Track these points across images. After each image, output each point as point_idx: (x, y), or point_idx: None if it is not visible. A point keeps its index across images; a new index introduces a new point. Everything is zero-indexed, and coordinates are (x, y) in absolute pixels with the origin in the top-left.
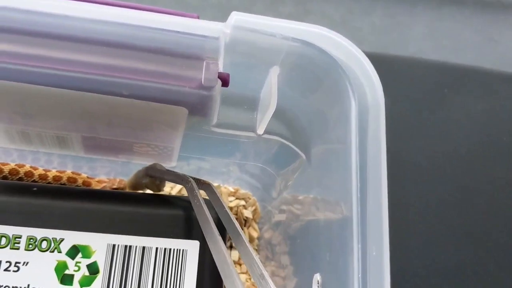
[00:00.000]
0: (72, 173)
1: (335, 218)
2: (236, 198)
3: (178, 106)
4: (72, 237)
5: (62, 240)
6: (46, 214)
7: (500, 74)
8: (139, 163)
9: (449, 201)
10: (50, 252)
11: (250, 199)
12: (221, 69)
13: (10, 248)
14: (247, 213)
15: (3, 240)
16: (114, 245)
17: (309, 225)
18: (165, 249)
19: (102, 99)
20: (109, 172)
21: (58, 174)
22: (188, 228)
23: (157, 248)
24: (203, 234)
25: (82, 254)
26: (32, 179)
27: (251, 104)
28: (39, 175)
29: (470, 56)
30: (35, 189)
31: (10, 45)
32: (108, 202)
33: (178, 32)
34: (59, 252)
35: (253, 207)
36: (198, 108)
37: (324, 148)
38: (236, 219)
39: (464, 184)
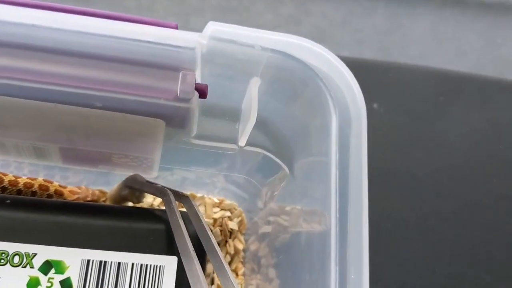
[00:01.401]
0: (44, 180)
1: (316, 234)
2: (221, 209)
3: (155, 118)
4: (45, 252)
5: (34, 255)
6: (19, 228)
7: (499, 81)
8: (118, 174)
9: (446, 213)
10: (22, 267)
11: (235, 210)
12: (198, 80)
13: None
14: (232, 225)
15: None
16: (88, 261)
17: (293, 239)
18: (141, 265)
19: (76, 111)
20: (81, 181)
21: (29, 181)
22: (166, 243)
23: (133, 264)
24: None
25: (55, 269)
26: (2, 185)
27: (232, 115)
28: (9, 181)
29: (472, 58)
30: (8, 201)
31: None
32: (83, 215)
33: (153, 42)
34: (32, 267)
35: (239, 218)
36: (175, 120)
37: (306, 160)
38: (221, 231)
39: (462, 196)
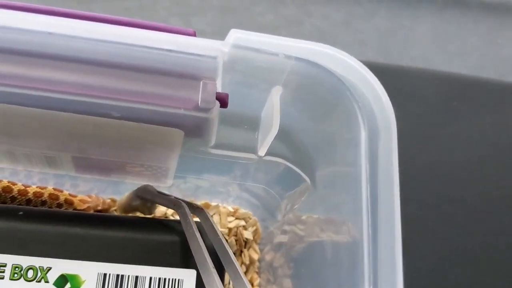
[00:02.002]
0: (54, 189)
1: (343, 248)
2: (236, 218)
3: (173, 128)
4: (60, 266)
5: (49, 269)
6: (32, 241)
7: (509, 85)
8: (130, 182)
9: (457, 220)
10: (37, 282)
11: (250, 219)
12: (219, 89)
13: None
14: (247, 234)
15: None
16: (105, 274)
17: (314, 250)
18: (159, 278)
19: (91, 121)
20: (91, 189)
21: (39, 190)
22: (184, 255)
23: (151, 278)
24: None
25: (70, 284)
26: (11, 195)
27: (251, 124)
28: (18, 190)
29: (473, 60)
30: (21, 213)
31: None
32: (98, 227)
33: (173, 50)
34: (46, 281)
35: (254, 227)
36: (195, 130)
37: (330, 171)
38: (236, 240)
39: (475, 203)
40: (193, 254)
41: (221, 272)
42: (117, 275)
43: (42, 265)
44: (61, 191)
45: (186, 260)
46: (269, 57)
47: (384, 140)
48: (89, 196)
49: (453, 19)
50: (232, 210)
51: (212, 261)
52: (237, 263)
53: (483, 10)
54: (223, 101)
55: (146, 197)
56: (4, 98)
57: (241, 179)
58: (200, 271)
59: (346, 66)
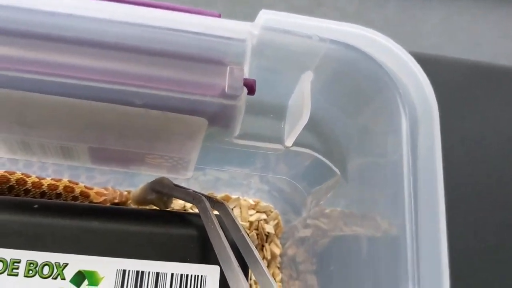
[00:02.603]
0: (69, 181)
1: (382, 245)
2: (257, 212)
3: (197, 116)
4: (77, 262)
5: (66, 265)
6: (48, 236)
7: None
8: (148, 174)
9: (486, 216)
10: (53, 278)
11: (271, 212)
12: (246, 75)
13: (8, 274)
14: (269, 228)
15: (0, 265)
16: (124, 271)
17: (344, 245)
18: (181, 275)
19: (112, 109)
20: (107, 181)
21: (53, 182)
22: (206, 251)
23: (172, 274)
24: None
25: (88, 281)
26: (25, 188)
27: (278, 112)
28: (33, 183)
29: (486, 50)
30: (36, 206)
31: (6, 48)
32: (117, 221)
33: (198, 33)
34: (63, 278)
35: (275, 221)
36: (219, 118)
37: (365, 163)
38: (257, 234)
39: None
40: (216, 251)
41: (244, 269)
42: (137, 272)
43: (58, 261)
44: (77, 184)
45: (208, 255)
46: (301, 39)
47: (426, 130)
48: (106, 189)
49: (465, 9)
50: (253, 203)
51: (234, 255)
52: (261, 260)
53: (496, 0)
54: (250, 87)
55: (163, 191)
56: (19, 84)
57: (262, 170)
58: (224, 269)
59: (387, 51)
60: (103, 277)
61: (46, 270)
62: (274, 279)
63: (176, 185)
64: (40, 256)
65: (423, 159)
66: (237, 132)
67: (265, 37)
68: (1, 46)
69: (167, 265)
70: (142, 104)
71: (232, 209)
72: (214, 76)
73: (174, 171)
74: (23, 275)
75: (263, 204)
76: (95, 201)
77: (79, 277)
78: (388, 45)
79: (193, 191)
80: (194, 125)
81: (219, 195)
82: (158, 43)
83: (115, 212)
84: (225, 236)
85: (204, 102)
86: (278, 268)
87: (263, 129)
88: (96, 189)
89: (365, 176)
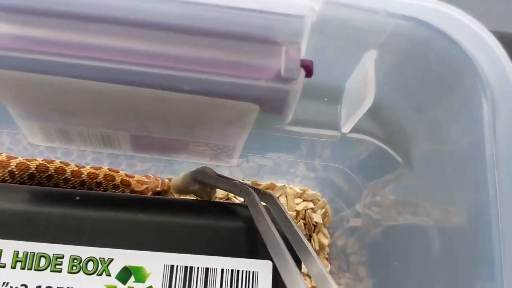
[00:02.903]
0: (109, 169)
1: (459, 238)
2: (304, 200)
3: (248, 102)
4: (122, 257)
5: (111, 260)
6: (91, 229)
7: None
8: (191, 162)
9: None
10: (98, 275)
11: (319, 200)
12: (302, 55)
13: (51, 271)
14: (317, 217)
15: (42, 261)
16: (172, 266)
17: (403, 238)
18: (232, 270)
19: (157, 95)
20: (148, 169)
21: (93, 171)
22: (257, 245)
23: (222, 270)
24: None
25: (135, 277)
26: (64, 177)
27: (333, 96)
28: (72, 171)
29: None
30: (77, 198)
31: (41, 30)
32: (163, 213)
33: (251, 10)
34: (108, 275)
35: (323, 210)
36: (272, 104)
37: (435, 151)
38: (305, 224)
39: None
40: (268, 246)
41: (297, 263)
42: (186, 267)
43: (103, 257)
44: (117, 172)
45: (259, 249)
46: (366, 15)
47: (508, 115)
48: (147, 177)
49: None
50: (299, 191)
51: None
52: (315, 254)
53: None
54: (308, 69)
55: (206, 182)
56: (58, 69)
57: (309, 157)
58: (277, 265)
59: (465, 29)
60: (150, 273)
61: (90, 266)
62: None
63: (219, 175)
64: (84, 251)
65: (506, 146)
66: (290, 118)
67: (327, 12)
68: (36, 27)
69: (217, 260)
70: (190, 90)
71: (278, 197)
72: (268, 58)
73: (217, 159)
74: (66, 271)
75: (310, 192)
76: (136, 189)
77: (125, 273)
78: (467, 23)
79: (239, 182)
80: (244, 111)
81: (263, 183)
82: (206, 22)
83: (160, 203)
84: (276, 229)
85: (256, 87)
86: (327, 259)
87: (317, 114)
88: (137, 177)
89: (435, 165)
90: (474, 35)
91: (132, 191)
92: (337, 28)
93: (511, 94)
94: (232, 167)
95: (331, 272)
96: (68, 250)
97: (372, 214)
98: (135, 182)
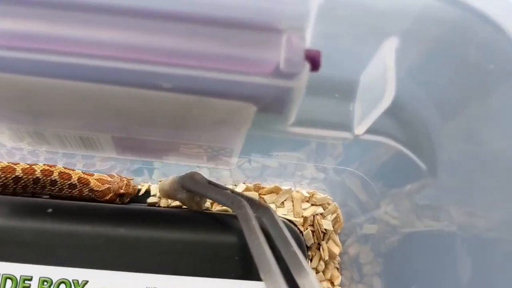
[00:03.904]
0: (64, 168)
1: (490, 248)
2: (312, 205)
3: (242, 101)
4: (99, 278)
5: (85, 283)
6: (65, 247)
7: None
8: (186, 165)
9: None
10: None
11: (329, 205)
12: (308, 45)
13: None
14: (326, 224)
15: (8, 283)
16: None
17: (423, 246)
18: None
19: (135, 94)
20: (111, 168)
21: (47, 168)
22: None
23: None
24: None
25: None
26: (14, 175)
27: (345, 91)
28: (23, 169)
29: None
30: (50, 210)
31: (5, 22)
32: (147, 227)
33: None
34: None
35: (334, 215)
36: (272, 103)
37: (467, 156)
38: (313, 232)
39: None
40: (259, 269)
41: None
42: None
43: (77, 278)
44: (73, 170)
45: (255, 270)
46: None
47: None
48: (111, 176)
49: None
50: (307, 195)
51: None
52: (314, 277)
53: None
54: (314, 61)
55: (195, 190)
56: (24, 67)
57: (318, 158)
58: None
59: (506, 10)
60: None
61: None
62: (333, 282)
63: (210, 183)
64: (55, 272)
65: None
66: (292, 119)
67: None
68: None
69: (207, 282)
70: (171, 88)
71: (283, 202)
72: (265, 48)
73: (214, 161)
74: None
75: (320, 196)
76: (96, 189)
77: None
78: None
79: (232, 191)
80: (238, 111)
81: (267, 185)
82: (189, 5)
83: (144, 215)
84: (271, 248)
85: (251, 84)
86: (337, 269)
87: (326, 113)
88: (97, 175)
89: (464, 172)
90: None
91: (92, 190)
92: (350, 11)
93: None
94: (232, 169)
95: (342, 284)
96: (37, 271)
97: (390, 219)
98: (95, 181)
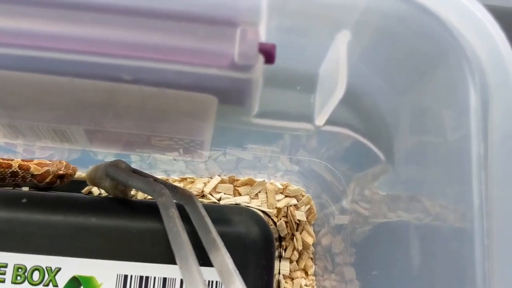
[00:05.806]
0: (2, 159)
1: (446, 238)
2: (286, 196)
3: (203, 93)
4: (71, 266)
5: (58, 269)
6: (38, 235)
7: None
8: (161, 158)
9: None
10: (44, 285)
11: (303, 196)
12: (263, 39)
13: None
14: (300, 215)
15: None
16: (126, 276)
17: (389, 236)
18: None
19: (98, 87)
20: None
21: None
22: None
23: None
24: None
25: None
26: None
27: (306, 84)
28: None
29: None
30: (24, 200)
31: None
32: (118, 216)
33: None
34: (55, 285)
35: (307, 206)
36: (231, 94)
37: (419, 145)
38: (286, 223)
39: None
40: (175, 256)
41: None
42: (141, 277)
43: (50, 265)
44: (12, 160)
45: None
46: None
47: (502, 105)
48: (50, 160)
49: None
50: (281, 186)
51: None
52: (231, 263)
53: None
54: (268, 54)
55: (117, 178)
56: None
57: (291, 150)
58: (183, 277)
59: (451, 2)
60: (101, 284)
61: (36, 275)
62: (306, 272)
63: (135, 171)
64: (29, 260)
65: (497, 138)
66: (255, 110)
67: None
68: None
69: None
70: (133, 80)
71: (257, 194)
72: (222, 41)
73: (187, 153)
74: (10, 281)
75: (293, 187)
76: (36, 173)
77: (74, 283)
78: None
79: (155, 179)
80: (201, 103)
81: (242, 177)
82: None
83: (116, 205)
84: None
85: (209, 76)
86: (311, 259)
87: (289, 105)
88: (36, 160)
89: (418, 159)
90: (461, 9)
91: (33, 175)
92: (303, 4)
93: (506, 79)
94: (208, 161)
95: (315, 274)
96: (12, 258)
97: (361, 210)
98: (35, 165)
